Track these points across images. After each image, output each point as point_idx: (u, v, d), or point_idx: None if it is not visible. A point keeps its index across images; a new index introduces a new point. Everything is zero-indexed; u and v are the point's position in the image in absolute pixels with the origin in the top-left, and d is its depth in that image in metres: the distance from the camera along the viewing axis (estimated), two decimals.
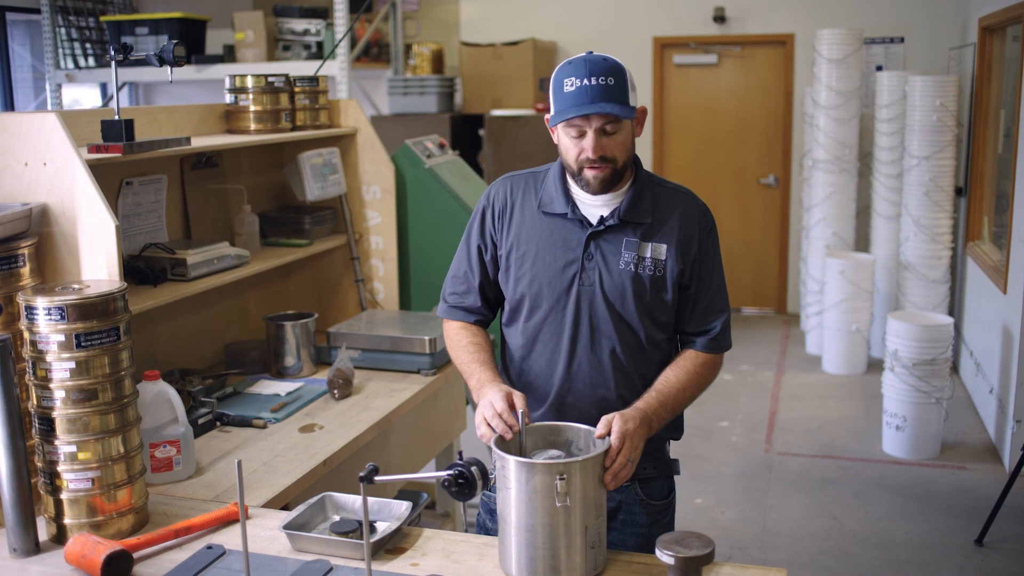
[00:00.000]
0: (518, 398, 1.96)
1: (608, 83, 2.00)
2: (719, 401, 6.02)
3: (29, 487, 2.00)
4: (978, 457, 5.06)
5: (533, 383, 2.18)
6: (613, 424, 1.89)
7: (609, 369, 2.13)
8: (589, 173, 2.06)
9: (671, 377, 2.12)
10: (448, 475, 1.80)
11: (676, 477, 2.29)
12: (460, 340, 2.23)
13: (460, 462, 1.82)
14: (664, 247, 2.11)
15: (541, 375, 2.16)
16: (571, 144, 2.06)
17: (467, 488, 1.81)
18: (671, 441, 2.28)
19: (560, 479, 1.73)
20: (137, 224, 3.00)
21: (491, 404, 1.94)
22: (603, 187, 2.08)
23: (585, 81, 1.99)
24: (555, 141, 2.12)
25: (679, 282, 2.13)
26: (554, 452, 1.89)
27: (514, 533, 1.79)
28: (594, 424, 1.93)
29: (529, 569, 1.79)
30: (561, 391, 2.14)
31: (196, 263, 2.86)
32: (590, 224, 2.12)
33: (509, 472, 1.77)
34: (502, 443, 1.86)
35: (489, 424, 1.93)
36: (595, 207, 2.13)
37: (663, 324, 2.16)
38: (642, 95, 8.07)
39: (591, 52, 2.07)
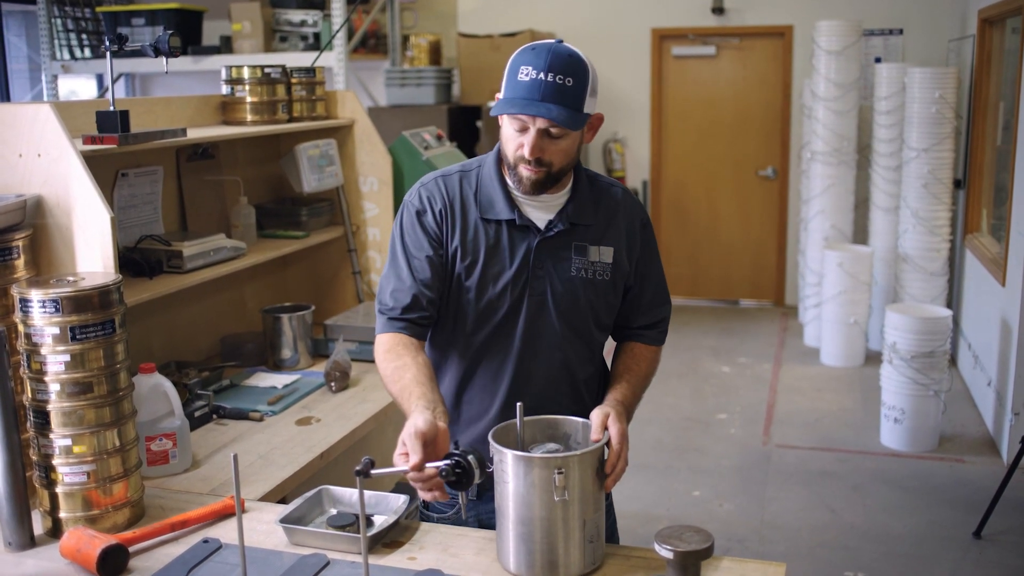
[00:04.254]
0: (440, 435, 1.77)
1: (565, 83, 1.85)
2: (717, 393, 6.01)
3: (24, 481, 1.98)
4: (976, 450, 5.06)
5: (473, 400, 2.08)
6: (610, 426, 1.84)
7: (558, 382, 2.06)
8: (523, 171, 1.93)
9: (635, 368, 2.08)
10: (445, 465, 1.76)
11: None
12: (402, 353, 1.97)
13: (457, 452, 1.78)
14: (611, 250, 2.03)
15: (483, 392, 2.06)
16: (512, 136, 1.93)
17: (464, 478, 1.76)
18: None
19: (558, 473, 1.71)
20: (133, 216, 2.98)
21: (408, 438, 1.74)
22: (534, 190, 1.96)
23: (541, 75, 1.84)
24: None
25: (625, 284, 2.08)
26: (552, 446, 1.87)
27: (512, 527, 1.77)
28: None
29: (527, 564, 1.77)
30: (504, 408, 2.02)
31: (192, 255, 2.84)
32: (538, 230, 2.00)
33: (507, 466, 1.75)
34: (500, 436, 1.84)
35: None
36: (539, 210, 2.01)
37: (607, 327, 2.11)
38: (641, 87, 8.06)
39: (560, 41, 1.91)
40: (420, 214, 2.02)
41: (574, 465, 1.74)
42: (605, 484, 1.80)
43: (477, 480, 1.77)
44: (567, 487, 1.72)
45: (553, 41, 1.92)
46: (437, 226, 2.01)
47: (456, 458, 1.76)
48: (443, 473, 1.75)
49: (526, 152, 1.89)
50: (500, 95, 1.95)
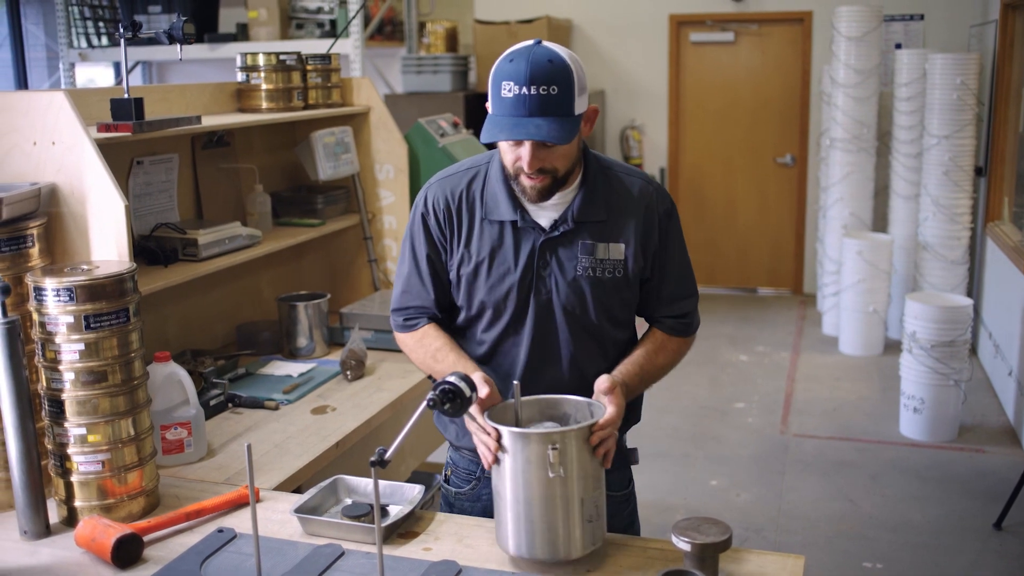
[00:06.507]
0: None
1: (550, 93, 1.77)
2: (735, 382, 5.98)
3: (39, 469, 1.98)
4: (996, 440, 5.01)
5: None
6: (616, 394, 1.82)
7: (567, 379, 2.03)
8: (526, 182, 1.89)
9: (652, 355, 2.04)
10: (432, 396, 1.71)
11: (637, 466, 2.20)
12: (430, 345, 2.05)
13: (438, 382, 1.74)
14: (623, 246, 1.98)
15: (498, 384, 1.99)
16: (507, 148, 1.89)
17: (458, 399, 1.72)
18: (632, 426, 2.16)
19: (553, 449, 1.68)
20: (148, 204, 2.98)
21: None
22: (541, 197, 1.91)
23: (523, 90, 1.77)
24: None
25: (641, 277, 2.03)
26: (550, 424, 1.83)
27: (510, 508, 1.75)
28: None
29: (528, 545, 1.74)
30: (517, 402, 2.01)
31: (208, 243, 2.84)
32: (543, 230, 1.96)
33: (502, 443, 1.73)
34: (496, 415, 1.81)
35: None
36: (545, 208, 1.97)
37: (623, 322, 2.07)
38: (658, 74, 8.02)
39: (539, 42, 1.83)
40: (425, 217, 2.04)
41: (570, 440, 1.70)
42: (596, 452, 1.76)
43: (468, 395, 1.74)
44: (563, 463, 1.69)
45: (531, 43, 1.84)
46: (440, 229, 2.02)
47: (440, 387, 1.73)
48: (431, 403, 1.71)
49: (525, 166, 1.86)
50: (489, 108, 1.90)
